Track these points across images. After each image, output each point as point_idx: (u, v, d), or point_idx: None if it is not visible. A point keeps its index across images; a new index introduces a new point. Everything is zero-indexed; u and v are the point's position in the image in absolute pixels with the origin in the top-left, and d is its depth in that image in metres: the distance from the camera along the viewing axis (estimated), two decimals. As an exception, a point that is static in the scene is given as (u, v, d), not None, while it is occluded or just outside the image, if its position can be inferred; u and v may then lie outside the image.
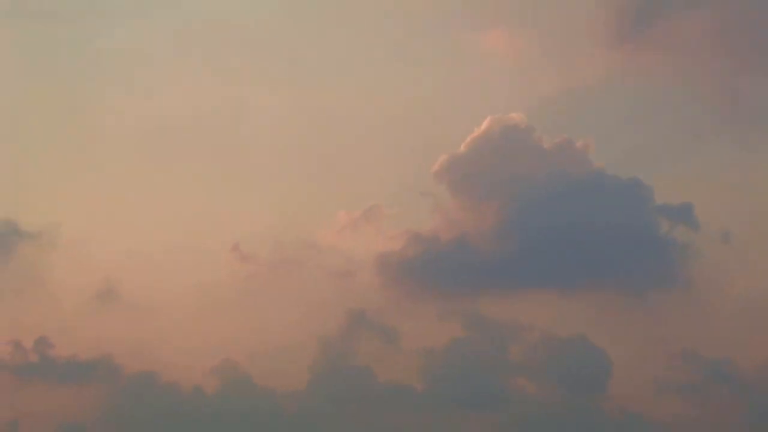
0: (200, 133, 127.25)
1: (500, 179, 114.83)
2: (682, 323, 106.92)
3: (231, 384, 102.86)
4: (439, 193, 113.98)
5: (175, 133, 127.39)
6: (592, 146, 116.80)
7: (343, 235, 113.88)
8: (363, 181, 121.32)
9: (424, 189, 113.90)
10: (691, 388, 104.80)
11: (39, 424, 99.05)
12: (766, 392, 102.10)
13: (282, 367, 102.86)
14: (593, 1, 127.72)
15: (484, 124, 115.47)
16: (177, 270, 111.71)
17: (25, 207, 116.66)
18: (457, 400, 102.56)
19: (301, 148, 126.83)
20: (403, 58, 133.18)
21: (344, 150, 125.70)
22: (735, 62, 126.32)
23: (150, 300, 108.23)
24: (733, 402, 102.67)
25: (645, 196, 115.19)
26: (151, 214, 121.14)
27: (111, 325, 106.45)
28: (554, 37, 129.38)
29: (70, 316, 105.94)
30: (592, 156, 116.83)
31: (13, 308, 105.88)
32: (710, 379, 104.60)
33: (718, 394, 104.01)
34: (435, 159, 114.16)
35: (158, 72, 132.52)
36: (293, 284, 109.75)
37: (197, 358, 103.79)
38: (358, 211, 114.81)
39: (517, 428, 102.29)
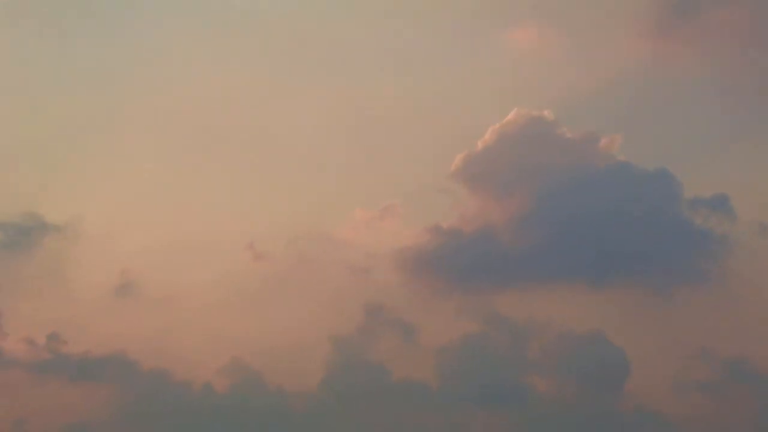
0: (223, 129, 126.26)
1: (522, 172, 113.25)
2: (708, 320, 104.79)
3: (243, 382, 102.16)
4: (459, 188, 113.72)
5: (198, 128, 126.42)
6: (619, 140, 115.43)
7: (361, 231, 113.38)
8: (384, 177, 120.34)
9: (445, 184, 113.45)
10: (717, 387, 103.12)
11: (47, 422, 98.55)
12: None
13: (296, 365, 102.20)
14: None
15: (508, 117, 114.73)
16: (195, 265, 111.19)
17: (49, 199, 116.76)
18: (472, 397, 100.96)
19: (326, 143, 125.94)
20: (429, 55, 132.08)
21: (364, 146, 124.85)
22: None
23: (166, 296, 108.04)
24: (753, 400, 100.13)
25: (674, 189, 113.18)
26: (173, 208, 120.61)
27: (126, 321, 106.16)
28: (582, 33, 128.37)
29: (86, 311, 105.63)
30: (620, 149, 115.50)
31: (30, 302, 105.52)
32: (731, 377, 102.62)
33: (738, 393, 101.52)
34: (460, 154, 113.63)
35: (183, 66, 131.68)
36: (309, 281, 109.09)
37: (210, 355, 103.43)
38: (378, 208, 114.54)
39: (532, 426, 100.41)
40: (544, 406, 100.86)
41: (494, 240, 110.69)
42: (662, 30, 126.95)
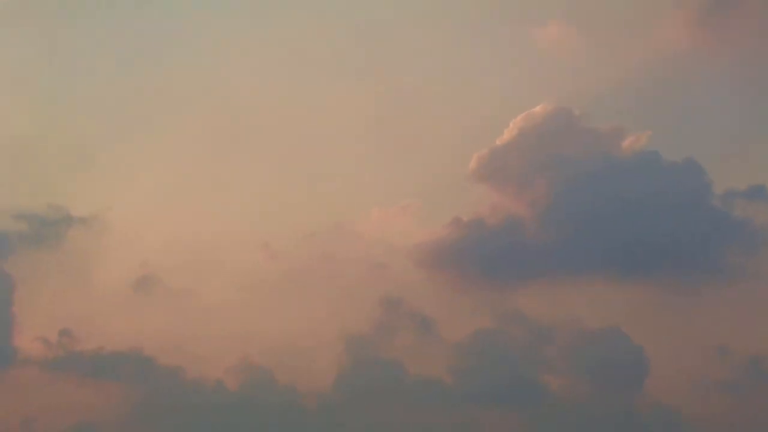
0: (246, 128, 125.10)
1: (544, 165, 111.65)
2: (734, 318, 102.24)
3: (256, 379, 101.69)
4: (480, 182, 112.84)
5: (221, 127, 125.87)
6: (646, 136, 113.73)
7: (380, 227, 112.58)
8: (404, 172, 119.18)
9: (466, 179, 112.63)
10: (740, 387, 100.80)
11: (58, 419, 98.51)
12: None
13: (311, 362, 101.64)
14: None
15: (528, 111, 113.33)
16: (213, 261, 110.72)
17: (75, 192, 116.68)
18: (487, 395, 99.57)
19: (346, 139, 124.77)
20: (457, 53, 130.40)
21: (384, 142, 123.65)
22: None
23: (184, 291, 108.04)
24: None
25: (705, 180, 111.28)
26: (194, 204, 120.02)
27: (143, 316, 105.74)
28: (608, 29, 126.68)
29: (103, 306, 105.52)
30: (648, 142, 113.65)
31: (48, 297, 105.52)
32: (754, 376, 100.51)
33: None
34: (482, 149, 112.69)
35: (208, 67, 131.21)
36: (326, 278, 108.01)
37: (224, 352, 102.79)
38: (397, 204, 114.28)
39: (547, 426, 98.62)
40: (560, 405, 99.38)
41: (514, 234, 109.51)
42: (693, 23, 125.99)
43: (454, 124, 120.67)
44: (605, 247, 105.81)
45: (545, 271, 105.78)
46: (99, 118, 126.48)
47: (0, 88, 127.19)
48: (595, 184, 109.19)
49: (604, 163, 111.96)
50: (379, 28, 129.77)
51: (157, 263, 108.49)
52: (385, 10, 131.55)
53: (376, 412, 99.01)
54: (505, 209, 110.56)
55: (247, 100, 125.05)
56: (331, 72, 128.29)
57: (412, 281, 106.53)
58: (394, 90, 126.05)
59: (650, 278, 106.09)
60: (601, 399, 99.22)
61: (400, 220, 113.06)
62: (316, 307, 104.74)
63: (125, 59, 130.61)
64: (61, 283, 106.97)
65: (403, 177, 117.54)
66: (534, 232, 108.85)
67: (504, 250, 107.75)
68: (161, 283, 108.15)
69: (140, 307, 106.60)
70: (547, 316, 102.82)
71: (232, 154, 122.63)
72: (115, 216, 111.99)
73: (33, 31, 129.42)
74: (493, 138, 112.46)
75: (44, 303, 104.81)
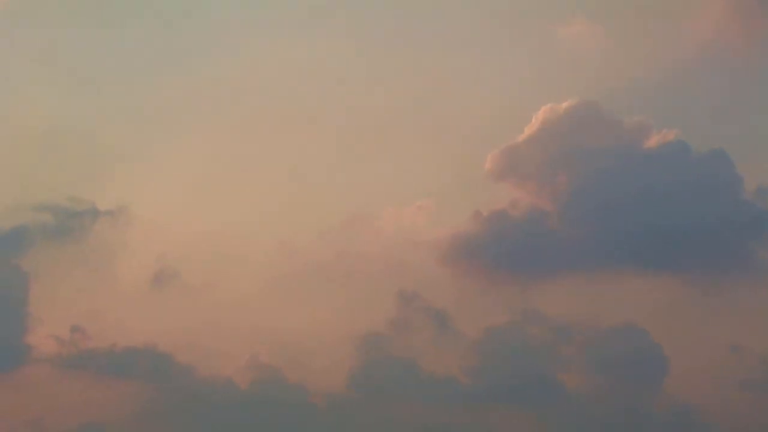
0: (270, 123, 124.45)
1: (567, 158, 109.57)
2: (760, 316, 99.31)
3: (265, 378, 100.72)
4: (501, 177, 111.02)
5: (244, 120, 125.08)
6: (674, 133, 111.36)
7: (398, 222, 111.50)
8: (425, 167, 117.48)
9: (486, 174, 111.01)
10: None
11: (66, 419, 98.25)
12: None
13: (325, 360, 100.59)
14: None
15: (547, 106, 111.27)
16: (233, 256, 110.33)
17: (100, 185, 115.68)
18: (504, 392, 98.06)
19: (365, 134, 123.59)
20: (480, 50, 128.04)
21: (405, 136, 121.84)
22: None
23: (202, 287, 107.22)
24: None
25: (734, 172, 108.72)
26: (217, 198, 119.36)
27: (160, 313, 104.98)
28: (632, 27, 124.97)
29: (120, 302, 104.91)
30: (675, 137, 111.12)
31: (64, 292, 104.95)
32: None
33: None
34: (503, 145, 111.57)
35: (233, 62, 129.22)
36: (343, 274, 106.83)
37: (240, 349, 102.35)
38: (416, 197, 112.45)
39: (564, 425, 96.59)
40: (576, 405, 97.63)
41: (534, 229, 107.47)
42: (722, 15, 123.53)
43: (474, 121, 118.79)
44: (628, 242, 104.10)
45: (565, 267, 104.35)
46: (126, 114, 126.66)
47: (31, 79, 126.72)
48: (620, 177, 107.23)
49: (630, 154, 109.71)
50: (399, 24, 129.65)
51: (176, 258, 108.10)
52: (407, 5, 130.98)
53: (390, 410, 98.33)
54: (526, 204, 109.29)
55: (268, 99, 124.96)
56: (348, 69, 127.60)
57: (430, 277, 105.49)
58: (414, 87, 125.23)
59: (674, 274, 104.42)
60: (618, 398, 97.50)
61: (418, 215, 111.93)
62: (332, 304, 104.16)
63: (151, 57, 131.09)
64: (79, 278, 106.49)
65: (421, 173, 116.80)
66: (556, 227, 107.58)
67: (524, 246, 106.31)
68: (179, 278, 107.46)
69: (157, 302, 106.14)
70: (565, 312, 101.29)
71: (253, 151, 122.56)
72: (136, 210, 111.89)
73: (63, 25, 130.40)
74: (514, 134, 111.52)
75: (59, 298, 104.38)
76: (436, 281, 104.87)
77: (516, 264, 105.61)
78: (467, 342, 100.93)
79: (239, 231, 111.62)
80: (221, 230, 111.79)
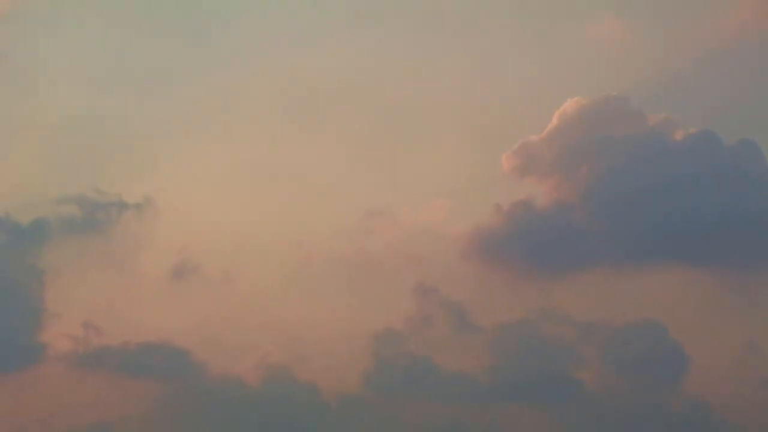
0: (294, 119, 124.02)
1: (589, 151, 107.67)
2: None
3: (276, 376, 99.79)
4: (521, 171, 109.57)
5: (270, 117, 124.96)
6: (700, 124, 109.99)
7: (419, 217, 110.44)
8: (445, 161, 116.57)
9: (506, 169, 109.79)
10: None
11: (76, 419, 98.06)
12: None
13: (341, 358, 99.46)
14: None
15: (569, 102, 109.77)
16: (253, 251, 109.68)
17: (126, 178, 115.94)
18: (521, 390, 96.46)
19: (385, 128, 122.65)
20: (509, 49, 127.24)
21: (426, 135, 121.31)
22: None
23: (221, 281, 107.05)
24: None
25: (763, 168, 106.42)
26: (239, 192, 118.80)
27: (178, 307, 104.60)
28: (662, 25, 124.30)
29: (138, 297, 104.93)
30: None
31: (81, 288, 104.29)
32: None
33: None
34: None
35: (261, 60, 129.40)
36: (362, 271, 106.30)
37: (255, 346, 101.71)
38: (437, 192, 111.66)
39: (582, 424, 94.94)
40: (594, 403, 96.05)
41: (555, 224, 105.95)
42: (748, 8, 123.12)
43: (495, 118, 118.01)
44: (652, 235, 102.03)
45: (585, 262, 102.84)
46: (159, 110, 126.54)
47: (62, 69, 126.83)
48: (645, 169, 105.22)
49: (656, 146, 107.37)
50: (419, 21, 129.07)
51: (197, 251, 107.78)
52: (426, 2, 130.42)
53: (404, 409, 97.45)
54: (547, 199, 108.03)
55: (292, 100, 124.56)
56: (370, 69, 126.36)
57: (449, 271, 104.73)
58: (435, 84, 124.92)
59: (700, 268, 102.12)
60: (637, 396, 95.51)
61: (438, 212, 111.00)
62: (350, 299, 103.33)
63: (181, 49, 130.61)
64: (99, 273, 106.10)
65: (442, 171, 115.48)
66: (577, 222, 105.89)
67: (543, 241, 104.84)
68: (199, 271, 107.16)
69: (176, 296, 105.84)
70: (584, 309, 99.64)
71: (276, 150, 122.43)
72: (161, 203, 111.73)
73: (96, 16, 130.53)
74: (535, 132, 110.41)
75: (77, 294, 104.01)
76: (455, 276, 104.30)
77: (535, 259, 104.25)
78: (484, 338, 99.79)
79: (260, 226, 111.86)
80: (243, 225, 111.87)
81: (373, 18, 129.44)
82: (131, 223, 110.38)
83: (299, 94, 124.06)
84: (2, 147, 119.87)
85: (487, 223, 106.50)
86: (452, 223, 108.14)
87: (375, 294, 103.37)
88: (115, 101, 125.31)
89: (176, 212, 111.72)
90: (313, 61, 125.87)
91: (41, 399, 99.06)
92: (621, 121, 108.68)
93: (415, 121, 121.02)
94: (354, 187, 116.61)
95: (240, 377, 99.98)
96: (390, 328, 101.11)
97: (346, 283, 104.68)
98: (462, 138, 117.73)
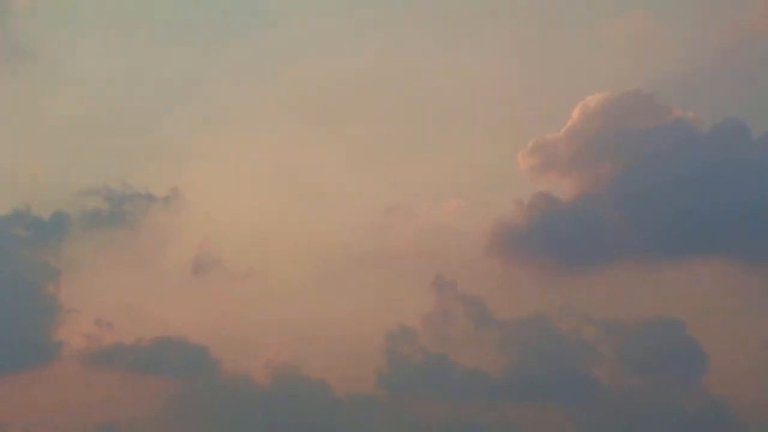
0: (317, 117, 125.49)
1: (611, 147, 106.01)
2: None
3: (286, 374, 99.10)
4: (540, 166, 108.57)
5: (292, 113, 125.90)
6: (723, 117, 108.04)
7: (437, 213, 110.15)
8: (463, 156, 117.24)
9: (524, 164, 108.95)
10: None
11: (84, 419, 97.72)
12: None
13: (357, 357, 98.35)
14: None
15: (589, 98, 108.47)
16: (271, 248, 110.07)
17: (151, 172, 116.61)
18: (538, 388, 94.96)
19: (407, 121, 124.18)
20: (535, 46, 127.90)
21: (445, 134, 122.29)
22: None
23: (242, 276, 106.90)
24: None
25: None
26: (263, 188, 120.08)
27: (199, 303, 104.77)
28: (689, 21, 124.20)
29: (158, 292, 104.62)
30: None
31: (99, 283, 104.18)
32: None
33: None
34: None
35: (290, 57, 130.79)
36: (381, 267, 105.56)
37: (269, 343, 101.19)
38: (456, 187, 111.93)
39: (599, 423, 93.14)
40: (611, 402, 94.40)
41: (575, 219, 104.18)
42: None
43: (515, 117, 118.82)
44: (672, 230, 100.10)
45: (604, 258, 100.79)
46: (189, 107, 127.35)
47: (96, 63, 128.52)
48: (666, 161, 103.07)
49: (682, 137, 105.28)
50: (439, 20, 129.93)
51: (217, 247, 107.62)
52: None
53: (419, 408, 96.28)
54: (567, 194, 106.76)
55: (314, 102, 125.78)
56: (390, 68, 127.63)
57: (465, 269, 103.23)
58: (455, 82, 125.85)
59: (722, 262, 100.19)
60: (655, 395, 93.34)
61: (457, 209, 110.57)
62: (369, 295, 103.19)
63: (207, 44, 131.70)
64: (120, 267, 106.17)
65: (460, 169, 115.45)
66: (597, 218, 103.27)
67: (563, 236, 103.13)
68: (219, 267, 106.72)
69: (196, 291, 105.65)
70: (603, 305, 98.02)
71: (298, 149, 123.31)
72: (185, 197, 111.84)
73: (128, 11, 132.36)
74: (557, 128, 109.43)
75: (96, 290, 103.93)
76: (473, 272, 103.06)
77: (553, 255, 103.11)
78: (501, 335, 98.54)
79: (281, 224, 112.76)
80: (264, 221, 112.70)
81: (391, 20, 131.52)
82: (159, 216, 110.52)
83: (322, 95, 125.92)
84: (28, 141, 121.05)
85: (506, 219, 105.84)
86: (469, 221, 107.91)
87: (393, 290, 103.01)
88: (143, 96, 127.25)
89: (199, 208, 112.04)
90: (336, 63, 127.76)
91: (55, 396, 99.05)
92: (645, 115, 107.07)
93: (434, 120, 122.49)
94: (373, 185, 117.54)
95: (252, 375, 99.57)
96: (404, 325, 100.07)
97: (365, 280, 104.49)
98: (479, 136, 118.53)
